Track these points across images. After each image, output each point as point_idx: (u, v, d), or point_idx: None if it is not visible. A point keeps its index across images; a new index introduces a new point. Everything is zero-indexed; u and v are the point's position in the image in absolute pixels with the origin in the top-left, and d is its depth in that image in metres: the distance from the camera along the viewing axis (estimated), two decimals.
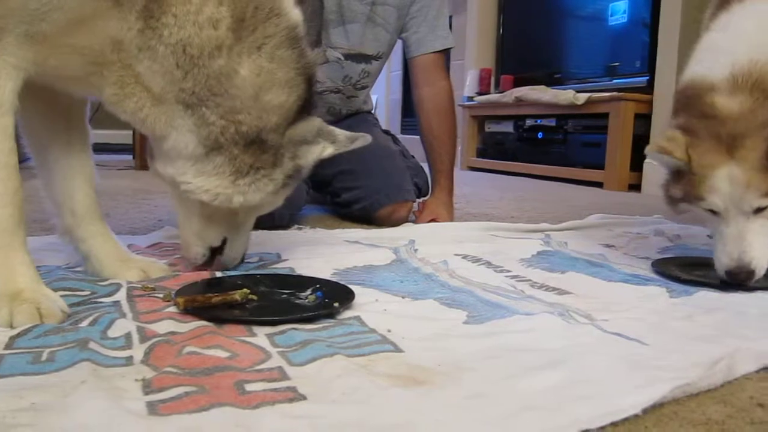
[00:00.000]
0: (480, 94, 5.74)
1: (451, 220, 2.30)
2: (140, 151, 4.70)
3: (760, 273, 1.36)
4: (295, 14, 1.21)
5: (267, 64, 1.16)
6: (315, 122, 1.28)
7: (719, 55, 1.39)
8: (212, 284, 1.27)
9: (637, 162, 4.02)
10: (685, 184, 1.42)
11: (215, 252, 1.38)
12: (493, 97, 5.44)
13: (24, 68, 1.05)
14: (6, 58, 1.03)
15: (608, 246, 1.92)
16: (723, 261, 1.39)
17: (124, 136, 5.18)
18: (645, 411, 0.78)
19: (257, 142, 1.18)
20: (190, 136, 1.16)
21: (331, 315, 1.12)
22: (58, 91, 1.21)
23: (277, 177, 1.23)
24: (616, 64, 4.47)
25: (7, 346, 0.92)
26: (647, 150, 1.46)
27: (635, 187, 4.02)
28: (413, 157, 2.51)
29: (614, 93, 4.11)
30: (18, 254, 1.07)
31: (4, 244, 1.06)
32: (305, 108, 1.25)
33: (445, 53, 2.39)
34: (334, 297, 1.19)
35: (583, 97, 4.32)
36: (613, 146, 4.12)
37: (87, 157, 1.33)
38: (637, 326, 1.10)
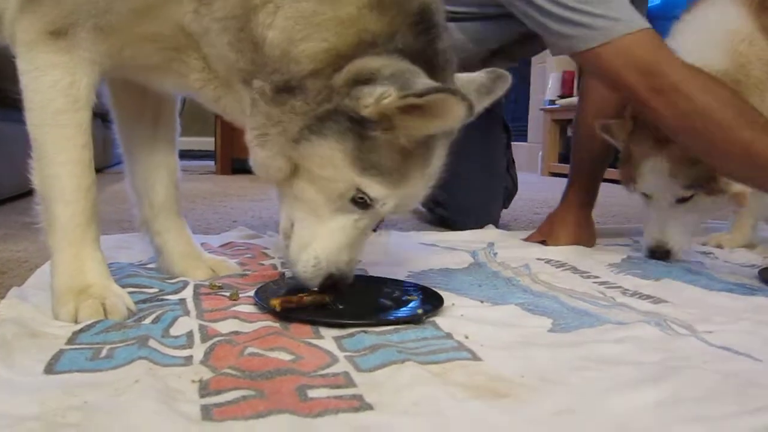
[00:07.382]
0: (562, 97, 5.55)
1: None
2: (221, 157, 4.82)
3: (677, 254, 1.59)
4: None
5: (310, 6, 0.97)
6: (379, 61, 0.95)
7: None
8: (283, 284, 1.21)
9: None
10: (625, 168, 1.61)
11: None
12: (577, 100, 5.24)
13: (99, 62, 1.04)
14: (81, 54, 1.02)
15: (707, 254, 1.77)
16: (646, 241, 1.62)
17: (207, 143, 5.29)
18: None
19: (285, 90, 0.99)
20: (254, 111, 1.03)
21: (414, 322, 1.03)
22: (150, 88, 1.19)
23: (305, 120, 0.98)
24: None
25: (69, 341, 0.90)
26: (597, 126, 1.65)
27: None
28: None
29: None
30: (89, 250, 1.06)
31: (76, 239, 1.05)
32: (379, 44, 0.97)
33: None
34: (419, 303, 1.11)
35: None
36: None
37: (171, 152, 1.31)
38: (746, 339, 0.98)
